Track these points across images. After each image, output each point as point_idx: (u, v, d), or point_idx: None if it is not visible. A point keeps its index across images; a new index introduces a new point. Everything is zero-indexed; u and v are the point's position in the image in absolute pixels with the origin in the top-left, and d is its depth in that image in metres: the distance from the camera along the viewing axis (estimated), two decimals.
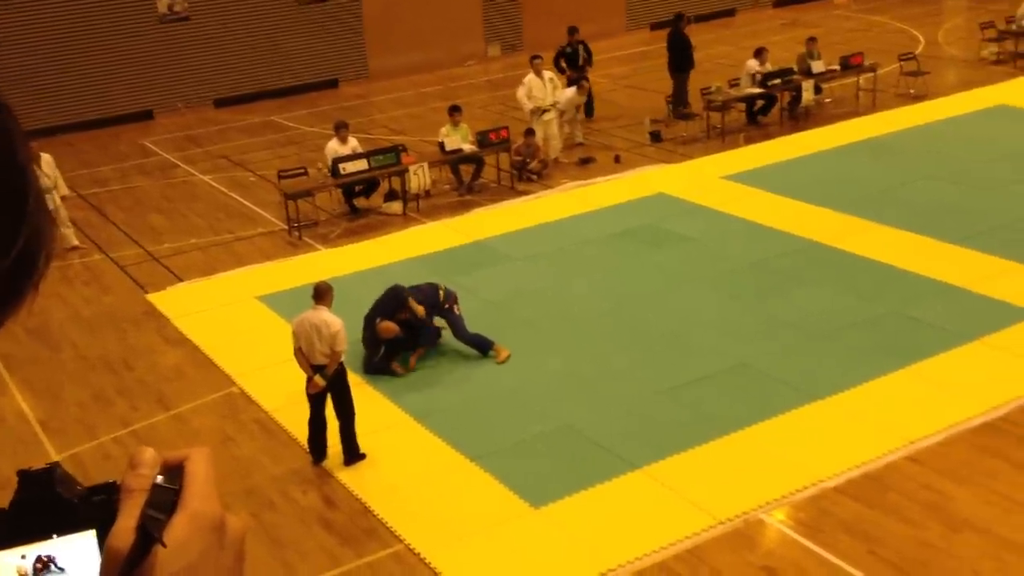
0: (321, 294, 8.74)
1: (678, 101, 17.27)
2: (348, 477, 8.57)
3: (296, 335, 8.64)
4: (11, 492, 0.87)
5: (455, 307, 10.30)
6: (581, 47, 17.58)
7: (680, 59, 17.42)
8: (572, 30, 17.66)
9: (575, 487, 8.09)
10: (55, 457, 8.83)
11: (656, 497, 7.94)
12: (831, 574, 7.08)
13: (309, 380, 8.62)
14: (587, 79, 16.95)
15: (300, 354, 8.63)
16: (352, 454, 8.71)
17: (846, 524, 7.51)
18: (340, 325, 8.57)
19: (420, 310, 10.06)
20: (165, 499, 0.88)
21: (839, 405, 8.92)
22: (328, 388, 8.60)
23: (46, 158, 13.30)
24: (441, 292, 10.31)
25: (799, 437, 8.54)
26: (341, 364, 8.62)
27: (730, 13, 25.92)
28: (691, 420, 8.85)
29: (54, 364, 10.91)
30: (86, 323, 11.83)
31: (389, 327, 9.89)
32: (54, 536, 0.86)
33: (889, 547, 7.25)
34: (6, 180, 0.77)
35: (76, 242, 13.84)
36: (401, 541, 7.73)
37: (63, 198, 13.55)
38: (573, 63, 17.45)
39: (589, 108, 17.73)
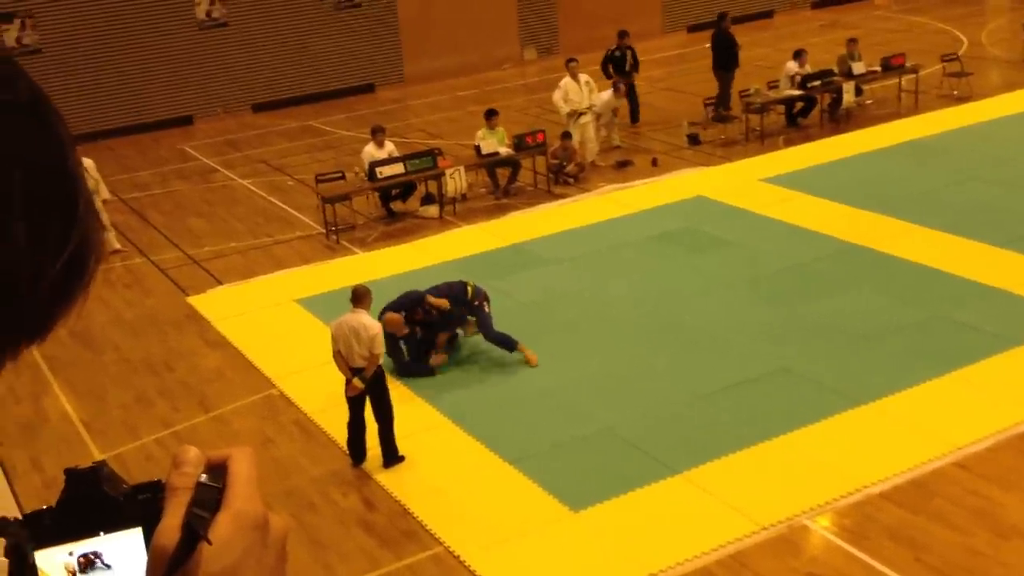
0: (359, 297, 8.77)
1: (721, 102, 17.11)
2: (387, 479, 8.58)
3: (335, 338, 8.66)
4: (58, 490, 0.88)
5: (484, 305, 10.25)
6: (629, 52, 17.43)
7: (725, 58, 17.25)
8: (622, 34, 17.47)
9: (615, 491, 8.03)
10: (99, 457, 8.91)
11: (697, 502, 7.86)
12: None
13: (348, 383, 8.64)
14: (624, 83, 16.77)
15: (339, 357, 8.66)
16: (391, 456, 8.71)
17: (891, 530, 7.39)
18: (379, 328, 8.60)
19: (444, 303, 10.01)
20: (209, 497, 0.88)
21: (883, 410, 8.79)
22: (367, 390, 8.61)
23: (88, 162, 13.44)
24: (470, 289, 10.26)
25: (843, 442, 8.41)
26: (380, 367, 8.64)
27: (768, 15, 25.72)
28: (732, 424, 8.76)
29: (97, 366, 11.03)
30: (128, 326, 11.95)
31: (393, 318, 9.75)
32: (101, 533, 0.87)
33: (936, 554, 7.13)
34: (58, 185, 0.79)
35: (118, 245, 14.00)
36: (440, 543, 7.72)
37: (104, 202, 13.71)
38: (620, 68, 17.30)
39: (635, 114, 17.59)
